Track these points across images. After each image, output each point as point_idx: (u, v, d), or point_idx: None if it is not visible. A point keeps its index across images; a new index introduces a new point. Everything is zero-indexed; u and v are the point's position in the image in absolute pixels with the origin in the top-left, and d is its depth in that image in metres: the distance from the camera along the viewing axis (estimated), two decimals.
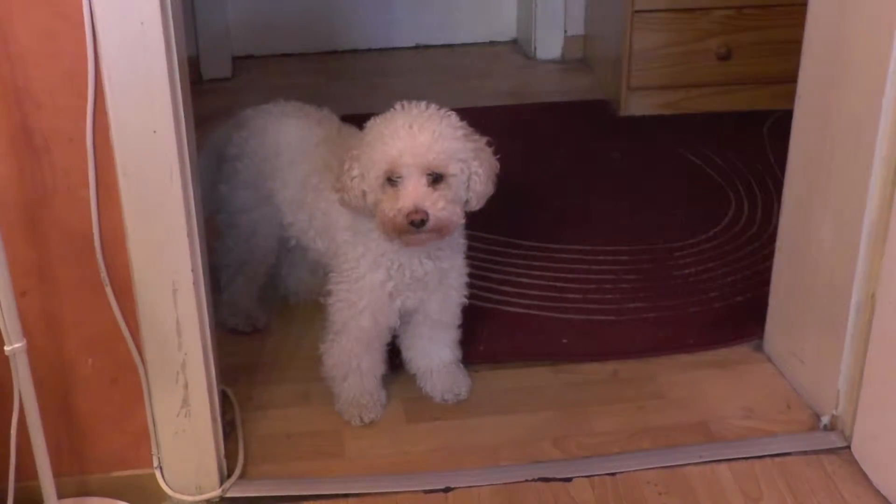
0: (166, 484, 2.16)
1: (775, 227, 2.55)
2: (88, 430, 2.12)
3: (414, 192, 2.10)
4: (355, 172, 2.17)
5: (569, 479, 2.24)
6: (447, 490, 2.21)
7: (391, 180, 2.12)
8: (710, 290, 2.84)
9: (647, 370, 2.56)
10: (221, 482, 2.19)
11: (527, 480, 2.24)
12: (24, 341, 1.82)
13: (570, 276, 2.90)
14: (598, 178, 3.44)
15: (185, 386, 2.07)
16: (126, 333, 2.02)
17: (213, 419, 2.14)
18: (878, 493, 2.19)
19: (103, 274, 1.98)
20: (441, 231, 2.16)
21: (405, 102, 2.19)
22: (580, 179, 3.43)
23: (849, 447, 2.30)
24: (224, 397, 2.32)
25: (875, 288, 2.19)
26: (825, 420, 2.37)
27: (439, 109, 2.19)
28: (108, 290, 1.99)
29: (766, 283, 2.58)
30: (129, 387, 2.08)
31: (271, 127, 2.55)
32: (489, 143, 2.24)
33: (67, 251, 1.98)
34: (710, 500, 2.19)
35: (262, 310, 2.69)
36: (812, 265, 2.38)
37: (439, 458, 2.31)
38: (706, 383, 2.52)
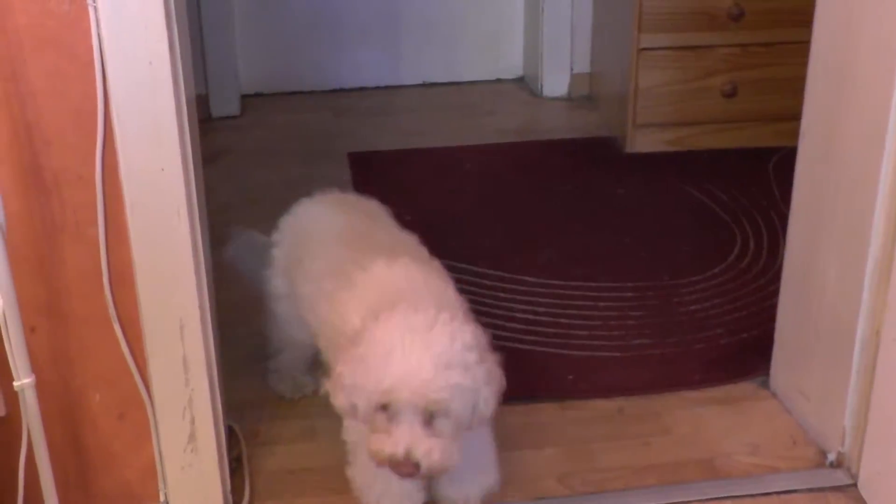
0: None
1: (780, 264, 2.56)
2: (96, 464, 2.14)
3: (407, 435, 1.85)
4: (346, 381, 1.91)
5: None
6: None
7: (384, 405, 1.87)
8: (715, 327, 2.86)
9: (653, 406, 2.57)
10: None
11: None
12: (33, 377, 1.84)
13: (575, 312, 2.92)
14: (604, 215, 3.47)
15: (192, 421, 2.09)
16: (133, 369, 2.04)
17: (220, 455, 2.16)
18: None
19: (111, 310, 2.01)
20: (437, 473, 1.95)
21: (407, 309, 1.90)
22: (585, 216, 3.46)
23: (855, 484, 2.31)
24: (230, 433, 2.33)
25: (880, 324, 2.20)
26: (831, 457, 2.37)
27: (452, 320, 1.90)
28: (116, 326, 2.02)
29: (771, 319, 2.60)
30: (136, 422, 2.10)
31: (306, 214, 2.43)
32: (497, 359, 1.97)
33: (76, 288, 2.01)
34: None
35: (309, 376, 2.58)
36: (817, 301, 2.39)
37: None
38: (711, 420, 2.52)
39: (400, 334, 1.84)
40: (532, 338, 2.81)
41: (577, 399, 2.59)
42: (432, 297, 1.99)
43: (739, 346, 2.77)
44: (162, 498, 2.17)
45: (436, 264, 2.21)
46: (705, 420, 2.52)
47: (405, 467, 1.86)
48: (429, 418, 1.84)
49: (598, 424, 2.51)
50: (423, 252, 2.25)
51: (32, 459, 1.91)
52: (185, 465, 2.13)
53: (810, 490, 2.31)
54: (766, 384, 2.62)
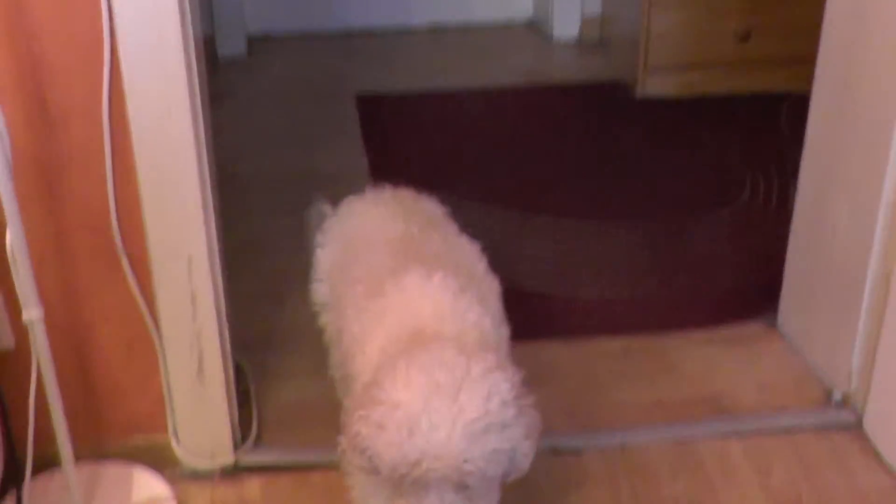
0: (181, 449, 2.20)
1: (791, 207, 2.57)
2: (105, 397, 2.16)
3: None
4: (365, 444, 1.61)
5: (579, 452, 2.28)
6: None
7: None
8: (724, 269, 2.87)
9: (660, 346, 2.58)
10: (235, 449, 2.23)
11: (538, 453, 2.25)
12: (41, 309, 1.85)
13: (583, 252, 2.93)
14: (613, 158, 3.47)
15: (200, 355, 2.11)
16: (141, 304, 2.06)
17: (228, 388, 2.18)
18: (888, 469, 2.22)
19: (119, 245, 2.02)
20: None
21: (432, 359, 1.59)
22: (595, 159, 3.46)
23: (860, 424, 2.33)
24: (238, 368, 2.35)
25: (891, 267, 2.21)
26: (837, 397, 2.39)
27: (486, 372, 1.59)
28: (124, 261, 2.03)
29: (780, 261, 2.60)
30: (144, 355, 2.12)
31: (353, 215, 2.17)
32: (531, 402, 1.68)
33: (83, 222, 2.02)
34: (720, 475, 2.22)
35: None
36: (828, 244, 2.40)
37: None
38: (719, 359, 2.54)
39: (424, 398, 1.54)
40: (540, 277, 2.82)
41: (585, 337, 2.61)
42: (456, 329, 1.72)
43: (748, 288, 2.78)
44: (170, 429, 2.19)
45: (486, 283, 1.94)
46: (712, 359, 2.54)
47: None
48: (462, 484, 1.57)
49: (605, 362, 2.53)
50: (478, 266, 1.98)
51: (42, 392, 1.93)
52: (193, 397, 2.15)
53: (815, 428, 2.33)
54: (773, 325, 2.63)
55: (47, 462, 2.09)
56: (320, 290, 2.18)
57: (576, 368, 2.52)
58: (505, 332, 1.89)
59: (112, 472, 2.18)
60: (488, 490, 1.64)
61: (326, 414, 2.33)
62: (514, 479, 1.67)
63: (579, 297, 2.74)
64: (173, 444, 2.20)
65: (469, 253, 2.01)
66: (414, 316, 1.75)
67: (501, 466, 1.59)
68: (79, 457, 2.04)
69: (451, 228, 2.10)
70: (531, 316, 2.67)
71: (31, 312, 1.84)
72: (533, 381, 2.44)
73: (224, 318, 2.13)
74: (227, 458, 2.23)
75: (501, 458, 1.58)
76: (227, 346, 2.16)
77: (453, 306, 1.77)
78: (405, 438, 1.53)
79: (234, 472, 2.24)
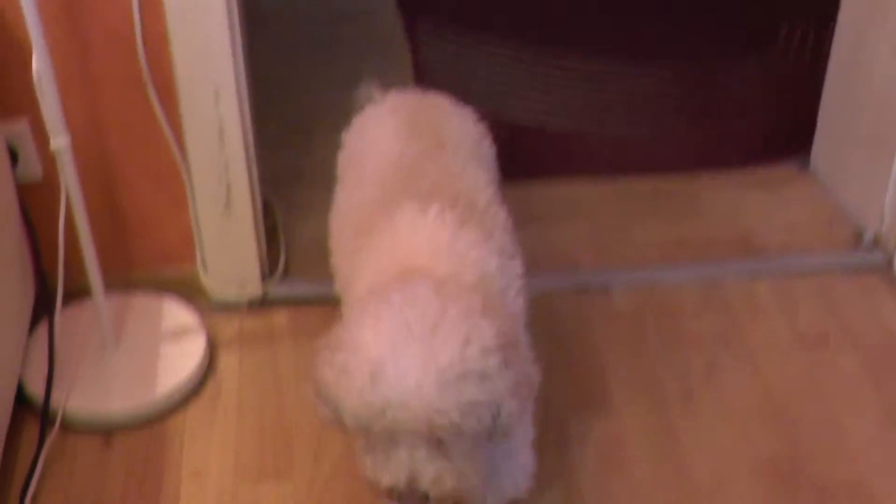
0: (209, 281, 2.22)
1: (827, 50, 2.52)
2: (134, 228, 2.17)
3: (407, 460, 1.42)
4: (326, 378, 1.46)
5: (607, 290, 2.28)
6: None
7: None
8: (756, 110, 2.83)
9: (690, 186, 2.57)
10: (263, 281, 2.25)
11: (564, 289, 2.28)
12: (68, 136, 1.85)
13: (614, 90, 2.89)
14: None
15: (228, 188, 2.11)
16: (169, 134, 2.05)
17: (256, 220, 2.18)
18: None
19: (146, 74, 2.00)
20: (451, 501, 1.48)
21: (403, 297, 1.42)
22: None
23: (890, 264, 2.32)
24: (266, 203, 2.35)
25: None
26: (868, 237, 2.38)
27: (467, 314, 1.42)
28: (151, 90, 2.02)
29: (814, 103, 2.57)
30: (172, 187, 2.12)
31: (358, 128, 1.98)
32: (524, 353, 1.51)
33: (109, 51, 2.00)
34: (747, 314, 2.22)
35: None
36: (865, 85, 2.36)
37: None
38: (749, 200, 2.53)
39: (391, 341, 1.39)
40: (568, 116, 2.79)
41: (614, 177, 2.60)
42: (452, 269, 1.54)
43: (780, 129, 2.75)
44: (199, 261, 2.21)
45: (491, 214, 1.71)
46: (742, 200, 2.52)
47: (412, 500, 1.45)
48: (436, 439, 1.41)
49: (633, 201, 2.52)
50: (483, 195, 1.74)
51: (71, 223, 1.93)
52: (221, 230, 2.16)
53: (845, 269, 2.33)
54: (806, 166, 2.61)
55: (77, 293, 2.12)
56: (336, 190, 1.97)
57: (604, 207, 2.51)
58: (514, 267, 1.68)
59: (141, 301, 2.20)
60: (470, 450, 1.44)
61: None
62: (499, 440, 1.50)
63: (609, 137, 2.72)
64: (202, 275, 2.22)
65: (475, 180, 1.77)
66: (406, 255, 1.57)
67: (481, 423, 1.41)
68: (108, 287, 2.05)
69: (463, 150, 1.84)
70: (561, 154, 2.66)
71: (59, 140, 1.83)
72: (561, 219, 2.47)
73: (252, 151, 2.13)
74: (255, 289, 2.24)
75: (481, 412, 1.40)
76: (255, 179, 2.16)
77: (451, 245, 1.58)
78: (368, 384, 1.38)
79: (261, 304, 2.26)
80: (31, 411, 2.01)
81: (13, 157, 2.05)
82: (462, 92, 2.01)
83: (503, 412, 1.43)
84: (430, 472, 1.41)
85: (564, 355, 2.12)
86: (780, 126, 2.76)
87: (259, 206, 2.20)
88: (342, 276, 1.74)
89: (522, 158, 2.62)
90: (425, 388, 1.36)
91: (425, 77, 2.83)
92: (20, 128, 2.04)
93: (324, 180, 2.56)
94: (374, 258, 1.60)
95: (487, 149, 1.94)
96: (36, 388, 2.02)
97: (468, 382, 1.37)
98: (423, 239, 1.59)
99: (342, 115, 2.79)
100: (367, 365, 1.38)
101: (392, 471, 1.43)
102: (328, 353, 1.46)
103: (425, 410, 1.36)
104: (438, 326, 1.39)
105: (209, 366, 2.12)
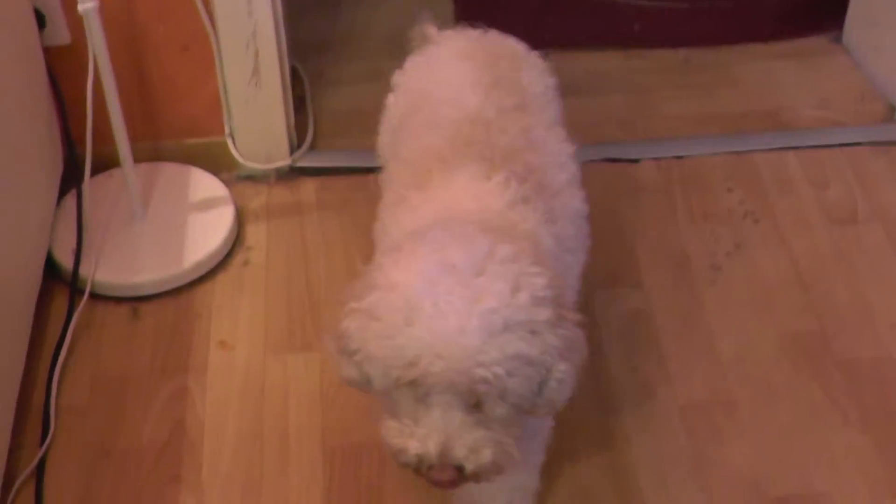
0: (237, 151, 2.20)
1: None
2: (162, 97, 2.15)
3: (441, 424, 1.25)
4: (353, 345, 1.30)
5: (636, 161, 2.27)
6: None
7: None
8: None
9: (721, 58, 2.53)
10: (291, 152, 2.24)
11: (594, 161, 2.25)
12: (97, 0, 1.81)
13: None
14: None
15: (256, 55, 2.08)
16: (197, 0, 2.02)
17: (284, 90, 2.16)
18: None
19: None
20: (488, 478, 1.32)
21: (445, 235, 1.29)
22: None
23: None
24: (294, 73, 2.32)
25: None
26: None
27: (516, 258, 1.26)
28: None
29: None
30: (200, 55, 2.09)
31: (424, 66, 1.77)
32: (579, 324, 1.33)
33: None
34: (775, 187, 2.21)
35: None
36: None
37: None
38: (780, 73, 2.49)
39: (429, 279, 1.23)
40: None
41: (643, 48, 2.55)
42: (500, 227, 1.37)
43: (813, 0, 2.69)
44: (227, 131, 2.19)
45: (563, 198, 1.53)
46: (773, 73, 2.48)
47: (442, 473, 1.26)
48: (474, 402, 1.25)
49: (663, 74, 2.49)
50: (560, 175, 1.56)
51: (100, 91, 1.91)
52: (248, 99, 2.14)
53: (875, 143, 2.30)
54: (838, 39, 2.56)
55: (105, 163, 2.12)
56: (382, 143, 1.82)
57: (635, 79, 2.48)
58: (572, 263, 1.51)
59: (169, 171, 2.19)
60: (512, 420, 1.28)
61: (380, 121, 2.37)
62: (545, 415, 1.35)
63: (640, 7, 2.66)
64: (230, 146, 2.20)
65: (555, 155, 1.58)
66: (453, 212, 1.40)
67: (527, 386, 1.25)
68: (136, 158, 2.04)
69: (545, 114, 1.66)
70: (589, 25, 2.61)
71: (86, 3, 1.80)
72: (591, 91, 2.44)
73: (280, 19, 2.09)
74: (283, 160, 2.23)
75: (528, 371, 1.24)
76: (284, 48, 2.13)
77: (504, 213, 1.40)
78: (401, 328, 1.22)
79: (289, 175, 2.25)
80: (61, 281, 2.03)
81: (40, 20, 2.02)
82: None
83: (552, 376, 1.27)
84: (467, 440, 1.25)
85: (593, 227, 2.07)
86: None
87: (287, 76, 2.17)
88: (380, 221, 1.56)
89: (553, 28, 2.58)
90: (468, 334, 1.19)
91: None
92: None
93: (351, 50, 2.55)
94: (418, 211, 1.43)
95: (560, 100, 1.75)
96: (65, 259, 2.03)
97: (515, 333, 1.22)
98: (476, 202, 1.41)
99: None
100: (401, 304, 1.23)
101: (421, 437, 1.26)
102: (354, 301, 1.29)
103: (466, 360, 1.20)
104: (486, 267, 1.24)
105: (237, 237, 2.12)
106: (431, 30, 1.84)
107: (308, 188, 2.23)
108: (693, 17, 2.64)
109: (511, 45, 1.75)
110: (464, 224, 1.32)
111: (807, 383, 1.86)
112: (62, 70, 2.06)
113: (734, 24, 2.62)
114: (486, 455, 1.25)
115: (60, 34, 2.05)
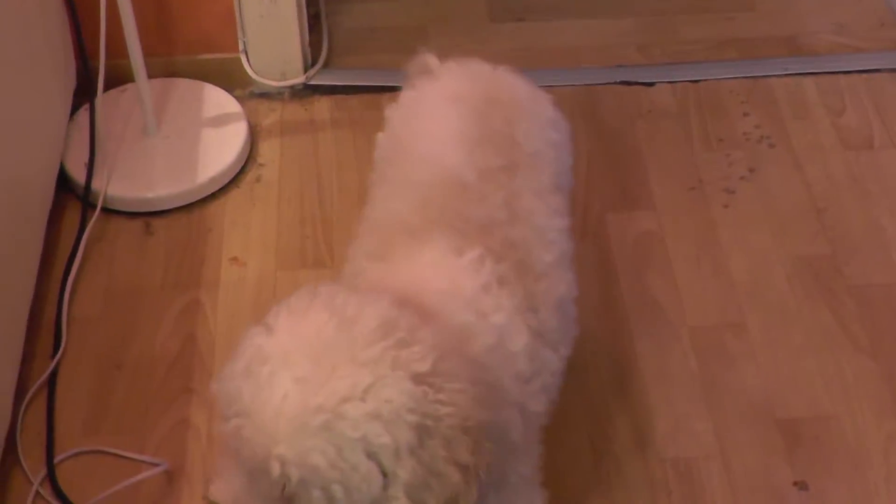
0: (251, 68, 2.19)
1: None
2: (175, 11, 2.13)
3: (236, 490, 1.13)
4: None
5: (651, 84, 2.24)
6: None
7: None
8: None
9: None
10: (305, 70, 2.22)
11: (608, 83, 2.24)
12: None
13: None
14: None
15: None
16: None
17: (298, 6, 2.14)
18: None
19: None
20: None
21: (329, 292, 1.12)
22: None
23: None
24: None
25: None
26: None
27: (403, 333, 1.08)
28: None
29: None
30: None
31: (409, 107, 1.53)
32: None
33: None
34: (791, 111, 2.18)
35: None
36: None
37: (522, 57, 2.24)
38: None
39: (283, 352, 1.07)
40: None
41: None
42: (463, 323, 1.19)
43: None
44: (241, 47, 2.18)
45: (547, 283, 1.32)
46: None
47: None
48: (278, 493, 1.05)
49: None
50: (546, 255, 1.34)
51: (114, 6, 1.88)
52: (263, 13, 2.12)
53: (892, 70, 2.27)
54: None
55: (119, 79, 2.11)
56: (372, 178, 1.53)
57: (651, 2, 2.44)
58: (550, 361, 1.30)
59: (183, 87, 2.18)
60: None
61: (395, 39, 2.34)
62: None
63: None
64: (243, 62, 2.19)
65: (542, 230, 1.37)
66: (417, 292, 1.20)
67: (365, 487, 1.04)
68: (150, 73, 2.02)
69: (538, 178, 1.41)
70: None
71: None
72: (607, 13, 2.41)
73: None
74: (297, 78, 2.22)
75: (336, 491, 1.03)
76: None
77: (476, 297, 1.22)
78: (240, 382, 1.07)
79: (302, 93, 2.23)
80: (73, 195, 2.03)
81: None
82: None
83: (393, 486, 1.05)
84: None
85: (606, 150, 2.11)
86: None
87: None
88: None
89: None
90: (287, 415, 1.02)
91: None
92: None
93: None
94: (376, 287, 1.22)
95: (567, 159, 1.53)
96: (77, 172, 2.02)
97: (337, 441, 1.02)
98: (444, 282, 1.23)
99: None
100: (252, 356, 1.08)
101: (222, 491, 1.14)
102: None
103: (270, 441, 1.02)
104: (354, 353, 1.05)
105: (250, 154, 2.11)
106: (432, 61, 1.57)
107: (321, 105, 2.22)
108: None
109: (515, 89, 1.51)
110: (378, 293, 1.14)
111: (818, 308, 1.86)
112: None
113: None
114: None
115: None
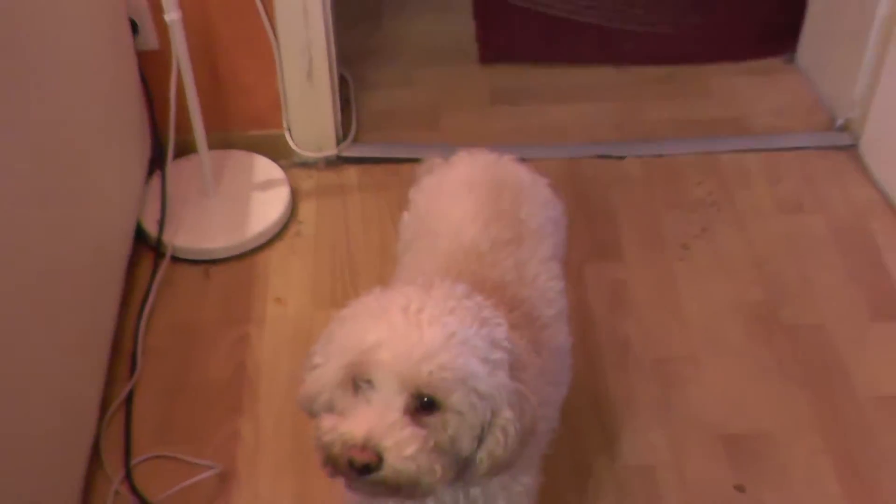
0: (293, 142, 2.22)
1: None
2: (231, 94, 2.17)
3: (375, 414, 1.08)
4: (316, 360, 1.17)
5: (622, 157, 2.27)
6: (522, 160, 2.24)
7: (358, 384, 1.12)
8: (757, 9, 2.75)
9: (698, 74, 2.53)
10: (338, 144, 2.25)
11: (587, 156, 2.27)
12: (180, 12, 1.84)
13: None
14: None
15: (310, 61, 2.10)
16: (262, 13, 2.03)
17: (333, 91, 2.17)
18: (876, 184, 2.20)
19: None
20: (403, 492, 1.11)
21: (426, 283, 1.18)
22: None
23: (856, 146, 2.29)
24: (341, 78, 2.32)
25: None
26: (840, 122, 2.34)
27: (483, 302, 1.17)
28: None
29: (804, 2, 2.50)
30: (264, 60, 2.11)
31: (436, 194, 1.53)
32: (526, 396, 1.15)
33: None
34: (738, 182, 2.22)
35: None
36: None
37: (517, 134, 2.34)
38: (745, 87, 2.49)
39: (404, 298, 1.13)
40: (597, 11, 2.73)
41: (635, 64, 2.56)
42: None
43: (775, 27, 2.68)
44: (284, 125, 2.21)
45: (549, 338, 1.35)
46: (740, 87, 2.49)
47: (362, 453, 1.07)
48: (416, 406, 1.09)
49: (650, 86, 2.50)
50: (549, 311, 1.38)
51: (181, 88, 1.93)
52: (304, 98, 2.15)
53: (820, 148, 2.30)
54: (793, 61, 2.56)
55: (184, 150, 2.14)
56: (399, 250, 1.57)
57: (625, 90, 2.48)
58: (556, 392, 1.36)
59: (236, 158, 2.21)
60: (448, 442, 1.11)
61: (412, 119, 2.38)
62: (481, 478, 1.16)
63: (630, 31, 2.67)
64: (287, 137, 2.22)
65: (545, 291, 1.40)
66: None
67: (470, 417, 1.10)
68: (210, 146, 2.06)
69: (540, 249, 1.43)
70: (586, 44, 2.62)
71: (172, 14, 1.83)
72: (588, 98, 2.45)
73: (331, 30, 2.11)
74: (330, 150, 2.25)
75: (473, 399, 1.09)
76: (333, 55, 2.14)
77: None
78: (368, 319, 1.12)
79: (335, 163, 2.26)
80: (147, 246, 2.06)
81: (134, 28, 2.05)
82: None
83: (497, 423, 1.11)
84: (396, 433, 1.07)
85: (585, 211, 2.14)
86: (773, 23, 2.69)
87: (336, 79, 2.18)
88: None
89: (558, 46, 2.60)
90: (425, 335, 1.08)
91: None
92: (140, 3, 2.03)
93: (389, 59, 2.56)
94: None
95: (563, 233, 1.55)
96: (150, 227, 2.05)
97: (472, 352, 1.10)
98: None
99: None
100: (374, 306, 1.13)
101: (353, 422, 1.09)
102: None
103: (417, 355, 1.07)
104: (457, 306, 1.13)
105: (292, 212, 2.14)
106: (438, 162, 1.61)
107: (351, 173, 2.25)
108: (675, 40, 2.65)
109: (518, 174, 1.54)
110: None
111: (758, 344, 1.88)
112: (150, 71, 2.08)
113: (710, 45, 2.62)
114: (410, 453, 1.07)
115: (150, 40, 2.07)
